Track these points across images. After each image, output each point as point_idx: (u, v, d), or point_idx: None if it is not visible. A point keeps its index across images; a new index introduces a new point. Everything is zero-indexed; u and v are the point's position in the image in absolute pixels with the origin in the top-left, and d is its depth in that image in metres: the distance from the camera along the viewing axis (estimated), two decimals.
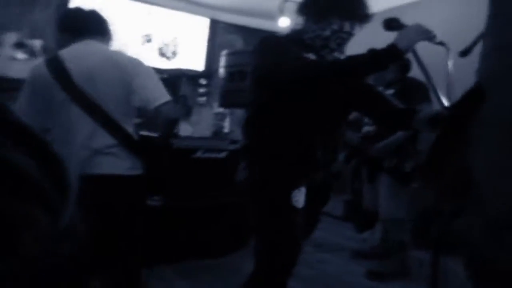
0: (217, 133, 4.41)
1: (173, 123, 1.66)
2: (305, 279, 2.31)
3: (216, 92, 3.80)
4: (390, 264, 2.49)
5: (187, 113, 4.26)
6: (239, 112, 4.18)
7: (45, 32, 3.40)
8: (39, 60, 3.18)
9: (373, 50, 1.29)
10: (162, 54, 4.36)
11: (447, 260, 1.97)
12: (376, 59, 1.29)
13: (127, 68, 1.51)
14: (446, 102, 1.28)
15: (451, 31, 1.96)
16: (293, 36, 1.48)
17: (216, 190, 2.57)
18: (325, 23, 1.40)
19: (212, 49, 4.60)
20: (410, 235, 2.55)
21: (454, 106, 0.51)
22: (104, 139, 1.49)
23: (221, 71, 3.12)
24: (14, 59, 3.21)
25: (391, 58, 1.28)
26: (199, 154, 2.56)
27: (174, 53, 4.42)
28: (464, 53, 2.02)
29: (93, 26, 1.59)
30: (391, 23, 1.35)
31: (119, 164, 1.50)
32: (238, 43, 4.90)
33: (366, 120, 2.59)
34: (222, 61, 3.15)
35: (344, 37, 1.42)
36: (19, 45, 3.23)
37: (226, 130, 4.52)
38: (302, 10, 1.47)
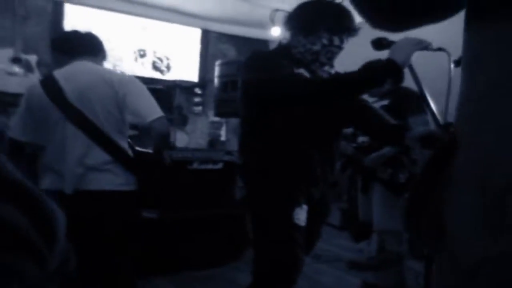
0: (213, 142, 4.44)
1: (166, 137, 1.69)
2: None
3: (211, 101, 3.83)
4: (386, 276, 2.49)
5: (183, 122, 4.29)
6: (234, 121, 4.21)
7: (39, 47, 3.43)
8: (35, 75, 3.23)
9: (368, 65, 1.29)
10: (156, 68, 4.39)
11: None
12: (373, 75, 1.28)
13: (119, 86, 1.55)
14: (438, 115, 1.29)
15: (449, 38, 1.98)
16: (282, 51, 1.47)
17: (212, 201, 2.59)
18: (315, 37, 1.40)
19: (205, 59, 4.63)
20: (407, 246, 2.56)
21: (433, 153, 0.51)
22: (99, 155, 1.51)
23: (215, 81, 3.15)
24: (10, 74, 3.23)
25: (388, 74, 1.27)
26: (195, 165, 2.58)
27: (168, 67, 4.46)
28: (459, 62, 2.03)
29: (86, 47, 1.64)
30: (380, 42, 1.35)
31: (113, 180, 1.53)
32: (231, 52, 4.94)
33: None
34: (216, 71, 3.18)
35: (334, 51, 1.43)
36: (15, 60, 3.25)
37: (222, 138, 4.55)
38: (290, 24, 1.46)
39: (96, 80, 1.54)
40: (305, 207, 1.41)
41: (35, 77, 3.23)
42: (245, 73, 1.44)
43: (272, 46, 1.58)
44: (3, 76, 3.21)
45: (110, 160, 1.53)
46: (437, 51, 1.29)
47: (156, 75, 4.36)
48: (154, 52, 4.36)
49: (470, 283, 0.41)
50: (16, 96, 2.75)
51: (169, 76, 4.43)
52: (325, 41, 1.40)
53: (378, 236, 2.62)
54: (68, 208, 1.55)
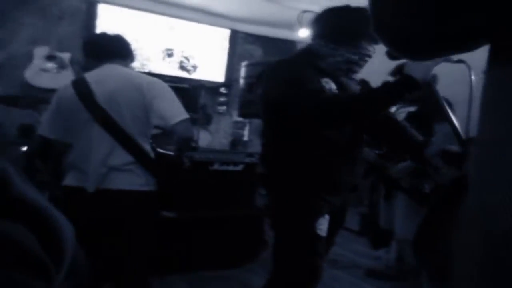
0: (236, 142, 4.47)
1: (189, 140, 1.73)
2: None
3: (236, 102, 3.86)
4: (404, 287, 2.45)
5: (207, 121, 4.34)
6: (258, 122, 4.22)
7: (72, 45, 3.56)
8: (68, 72, 3.36)
9: (388, 84, 1.26)
10: (183, 67, 4.46)
11: None
12: (394, 94, 1.26)
13: (147, 90, 1.60)
14: (460, 129, 1.27)
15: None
16: (307, 58, 1.43)
17: (231, 202, 2.62)
18: (354, 47, 1.38)
19: (232, 59, 4.66)
20: None
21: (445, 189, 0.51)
22: (122, 156, 1.57)
23: (241, 81, 3.17)
24: (45, 70, 3.38)
25: (408, 91, 1.24)
26: (216, 166, 2.62)
27: (195, 67, 4.51)
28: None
29: (115, 50, 1.70)
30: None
31: (134, 180, 1.58)
32: (257, 53, 4.95)
33: None
34: (242, 72, 3.20)
35: (367, 60, 1.42)
36: (50, 58, 3.40)
37: (245, 138, 4.58)
38: (322, 31, 1.42)
39: (125, 84, 1.61)
40: (327, 216, 1.41)
41: (68, 74, 3.37)
42: (269, 84, 1.41)
43: (300, 47, 1.54)
44: (38, 72, 3.36)
45: (133, 161, 1.57)
46: (457, 63, 1.27)
47: (183, 74, 4.43)
48: (182, 52, 4.43)
49: None
50: (48, 92, 2.88)
51: (195, 76, 4.49)
52: (365, 50, 1.39)
53: (397, 245, 2.58)
54: (88, 206, 1.60)
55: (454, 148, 1.22)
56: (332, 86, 1.37)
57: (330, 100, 1.31)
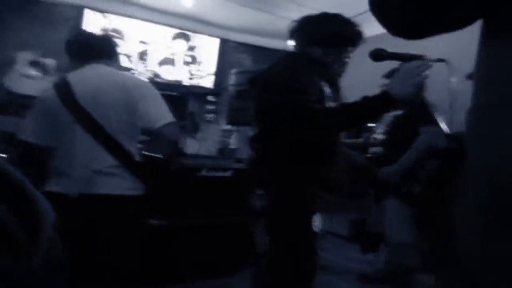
0: (223, 150, 4.44)
1: (175, 144, 1.67)
2: None
3: (224, 110, 3.85)
4: None
5: (194, 129, 4.31)
6: (246, 130, 4.21)
7: (59, 52, 3.50)
8: (52, 79, 3.30)
9: (366, 101, 1.26)
10: (173, 74, 4.46)
11: None
12: (370, 113, 1.29)
13: (133, 91, 1.55)
14: (445, 129, 1.28)
15: (453, 50, 1.95)
16: (309, 66, 1.41)
17: (221, 209, 2.58)
18: (346, 51, 1.45)
19: (222, 67, 4.67)
20: (418, 258, 2.50)
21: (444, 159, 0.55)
22: (106, 159, 1.51)
23: (230, 89, 3.17)
24: (27, 76, 3.30)
25: (385, 109, 1.28)
26: (204, 172, 2.58)
27: (185, 74, 4.52)
28: (471, 76, 2.03)
29: (102, 50, 1.65)
30: (379, 53, 1.34)
31: (120, 184, 1.52)
32: (247, 62, 4.97)
33: (372, 141, 2.58)
34: (231, 79, 3.20)
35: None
36: (33, 63, 3.34)
37: (232, 146, 4.55)
38: (319, 38, 1.44)
39: (110, 84, 1.55)
40: (318, 213, 1.44)
41: (52, 81, 3.30)
42: (272, 89, 1.36)
43: (290, 52, 1.55)
44: (19, 77, 3.29)
45: (117, 164, 1.52)
46: (437, 62, 1.28)
47: (173, 81, 4.41)
48: (172, 59, 4.42)
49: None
50: (30, 99, 2.81)
51: (185, 83, 4.49)
52: (349, 53, 1.45)
53: (387, 247, 2.58)
54: (71, 212, 1.52)
55: (441, 144, 1.22)
56: (327, 90, 1.39)
57: (321, 112, 1.32)
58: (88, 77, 1.57)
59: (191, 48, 4.51)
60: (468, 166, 0.46)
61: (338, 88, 1.46)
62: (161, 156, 1.71)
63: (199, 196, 2.52)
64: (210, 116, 4.69)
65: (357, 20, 1.46)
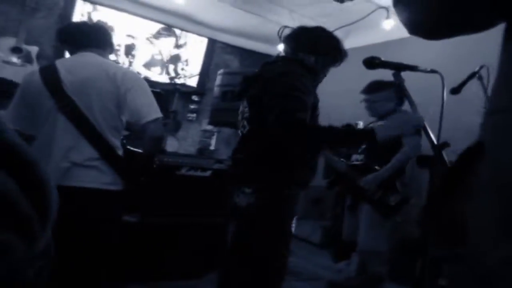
0: (203, 150, 4.42)
1: (159, 140, 1.64)
2: None
3: (207, 111, 3.84)
4: None
5: (175, 128, 4.28)
6: (226, 131, 4.22)
7: (43, 39, 3.43)
8: (34, 66, 3.21)
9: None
10: (161, 72, 4.43)
11: None
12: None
13: (122, 82, 1.51)
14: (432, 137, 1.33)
15: (443, 63, 2.02)
16: (303, 71, 1.45)
17: (197, 209, 2.56)
18: (331, 63, 1.56)
19: (208, 67, 4.67)
20: (388, 267, 2.55)
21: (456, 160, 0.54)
22: (86, 151, 1.47)
23: (215, 89, 3.16)
24: (8, 62, 3.21)
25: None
26: (183, 171, 2.56)
27: (172, 72, 4.49)
28: (455, 90, 2.08)
29: (95, 38, 1.61)
30: (372, 62, 1.40)
31: (99, 177, 1.48)
32: (234, 63, 4.99)
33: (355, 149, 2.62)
34: (217, 80, 3.20)
35: None
36: (15, 50, 3.25)
37: (211, 147, 4.54)
38: (313, 47, 1.50)
39: (99, 73, 1.51)
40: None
41: (33, 68, 3.23)
42: (278, 91, 1.36)
43: (283, 57, 1.59)
44: (0, 64, 3.19)
45: (97, 157, 1.47)
46: (430, 73, 1.34)
47: (160, 78, 4.38)
48: (160, 56, 4.39)
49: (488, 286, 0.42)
50: (10, 85, 2.73)
51: (170, 80, 4.46)
52: (331, 67, 1.57)
53: (359, 256, 2.62)
54: None
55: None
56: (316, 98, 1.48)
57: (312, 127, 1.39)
58: (77, 65, 1.53)
59: (179, 46, 4.49)
60: (487, 169, 0.46)
61: (317, 97, 1.53)
62: (143, 152, 1.70)
63: (177, 195, 2.48)
64: (192, 115, 4.67)
65: (342, 31, 1.55)
